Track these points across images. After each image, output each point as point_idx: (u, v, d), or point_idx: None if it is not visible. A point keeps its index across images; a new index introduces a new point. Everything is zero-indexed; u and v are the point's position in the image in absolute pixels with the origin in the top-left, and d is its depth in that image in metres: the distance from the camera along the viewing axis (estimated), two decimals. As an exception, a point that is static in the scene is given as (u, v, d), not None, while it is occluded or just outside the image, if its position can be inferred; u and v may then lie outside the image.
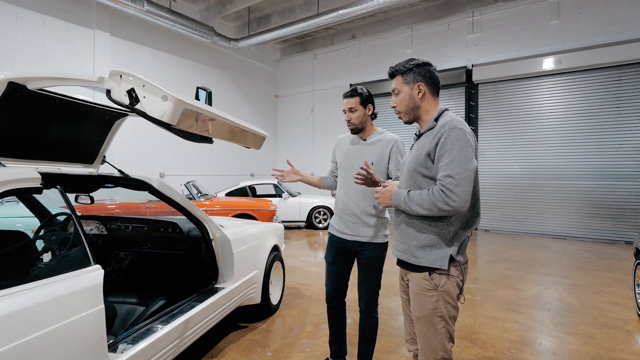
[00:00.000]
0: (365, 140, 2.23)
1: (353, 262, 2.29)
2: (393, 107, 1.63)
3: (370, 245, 2.16)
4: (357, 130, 2.22)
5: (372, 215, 2.16)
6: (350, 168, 2.20)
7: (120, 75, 1.70)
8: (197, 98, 2.17)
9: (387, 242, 2.22)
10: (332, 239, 2.30)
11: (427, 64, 1.58)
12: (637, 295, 3.52)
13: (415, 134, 1.67)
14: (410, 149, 1.66)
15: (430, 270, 1.48)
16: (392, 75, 1.62)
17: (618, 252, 6.57)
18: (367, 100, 2.19)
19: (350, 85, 11.08)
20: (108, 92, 1.74)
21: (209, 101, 2.17)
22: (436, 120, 1.53)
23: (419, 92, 1.56)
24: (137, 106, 1.70)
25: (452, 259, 1.48)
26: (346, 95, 2.21)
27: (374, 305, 2.24)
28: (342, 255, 2.27)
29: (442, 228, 1.48)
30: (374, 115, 2.24)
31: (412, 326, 1.66)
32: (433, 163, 1.47)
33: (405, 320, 1.72)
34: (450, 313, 1.49)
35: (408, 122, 1.64)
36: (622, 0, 7.44)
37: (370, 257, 2.16)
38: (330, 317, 2.39)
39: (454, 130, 1.42)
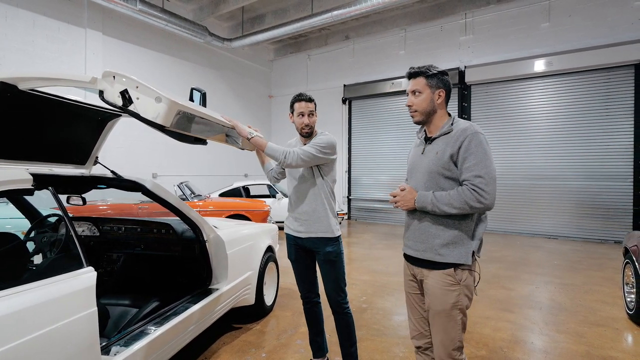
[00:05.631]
0: (305, 145, 2.28)
1: (315, 257, 2.34)
2: (409, 105, 1.69)
3: (324, 241, 2.21)
4: (310, 134, 2.26)
5: (323, 211, 2.21)
6: (297, 172, 2.26)
7: (114, 76, 1.69)
8: (191, 99, 2.16)
9: (340, 236, 2.26)
10: (289, 237, 2.37)
11: (447, 74, 1.68)
12: (626, 294, 3.58)
13: (425, 138, 1.72)
14: (423, 152, 1.69)
15: (455, 266, 1.56)
16: (415, 75, 1.67)
17: (608, 251, 6.67)
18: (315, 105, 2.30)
19: (345, 85, 11.11)
20: (101, 92, 1.72)
21: (204, 102, 2.16)
22: (451, 125, 1.63)
23: (438, 98, 1.65)
24: (131, 107, 1.69)
25: (472, 254, 1.58)
26: (306, 99, 2.23)
27: (343, 302, 2.27)
28: (301, 252, 2.32)
29: (465, 225, 1.58)
30: None
31: (420, 322, 1.74)
32: (455, 165, 1.56)
33: (413, 316, 1.77)
34: (467, 305, 1.59)
35: (419, 123, 1.72)
36: (612, 4, 7.57)
37: (326, 252, 2.21)
38: (306, 315, 2.44)
39: (477, 135, 1.53)
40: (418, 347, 1.78)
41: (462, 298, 1.56)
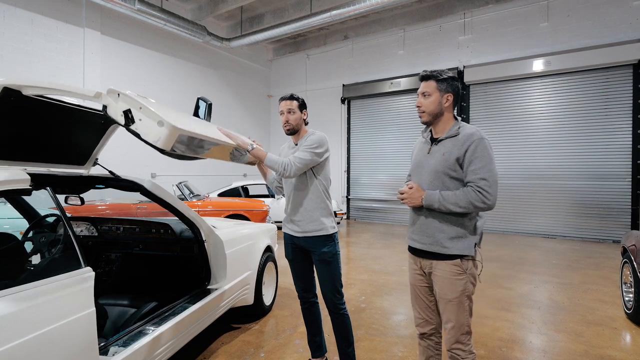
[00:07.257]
0: (296, 144, 2.30)
1: (311, 257, 2.34)
2: (418, 106, 1.80)
3: (319, 240, 2.21)
4: (293, 131, 2.28)
5: (315, 210, 2.22)
6: None
7: (118, 94, 1.70)
8: (196, 109, 2.16)
9: (335, 234, 2.27)
10: (286, 236, 2.39)
11: (457, 80, 1.79)
12: (624, 293, 3.59)
13: (431, 138, 1.82)
14: (429, 152, 1.80)
15: (461, 257, 1.70)
16: (427, 78, 1.77)
17: (606, 251, 6.69)
18: (303, 105, 2.31)
19: (344, 85, 11.11)
20: (104, 107, 1.75)
21: (209, 114, 2.15)
22: (458, 129, 1.74)
23: (446, 102, 1.75)
24: (132, 127, 1.71)
25: (474, 246, 1.73)
26: (285, 98, 2.27)
27: (339, 302, 2.28)
28: (298, 251, 2.34)
29: (467, 221, 1.72)
30: (306, 122, 2.35)
31: (425, 310, 1.88)
32: (460, 167, 1.69)
33: (418, 306, 1.91)
34: (473, 292, 1.75)
35: (426, 123, 1.83)
36: (611, 4, 7.58)
37: (322, 252, 2.22)
38: (304, 315, 2.45)
39: (483, 141, 1.67)
40: (422, 334, 1.91)
41: (468, 285, 1.71)
